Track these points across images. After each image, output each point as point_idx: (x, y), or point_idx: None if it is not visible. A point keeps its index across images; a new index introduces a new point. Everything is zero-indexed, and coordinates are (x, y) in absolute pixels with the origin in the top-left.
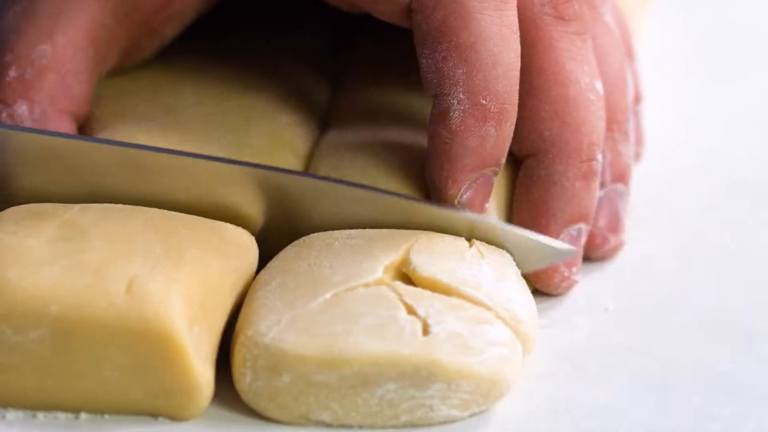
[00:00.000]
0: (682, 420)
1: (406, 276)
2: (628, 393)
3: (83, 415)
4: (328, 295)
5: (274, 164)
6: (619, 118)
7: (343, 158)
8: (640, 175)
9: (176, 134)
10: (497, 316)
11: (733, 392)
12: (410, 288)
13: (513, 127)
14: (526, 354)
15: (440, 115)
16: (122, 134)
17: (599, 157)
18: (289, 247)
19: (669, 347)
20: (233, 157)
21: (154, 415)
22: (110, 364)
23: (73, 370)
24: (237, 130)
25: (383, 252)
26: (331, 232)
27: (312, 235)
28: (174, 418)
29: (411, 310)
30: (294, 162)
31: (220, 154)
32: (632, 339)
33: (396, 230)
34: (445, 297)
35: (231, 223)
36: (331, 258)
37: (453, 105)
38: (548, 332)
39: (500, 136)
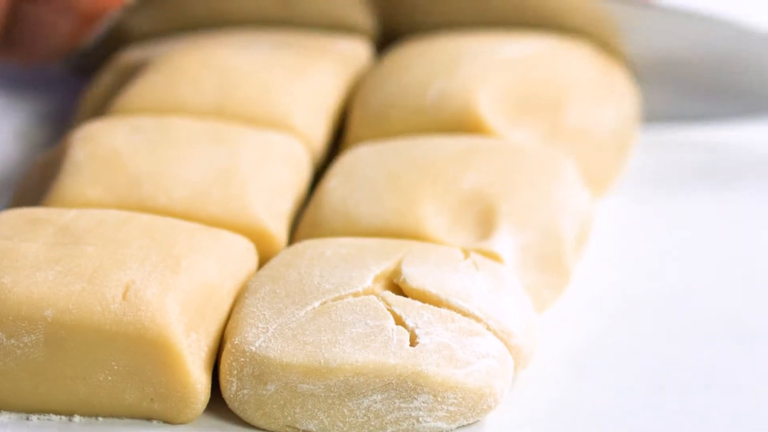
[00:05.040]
0: (684, 421)
1: (397, 286)
2: (630, 394)
3: (77, 418)
4: (316, 304)
5: (266, 181)
6: None
7: (357, 171)
8: (640, 173)
9: (166, 148)
10: (488, 328)
11: (734, 393)
12: (400, 298)
13: None
14: (520, 367)
15: None
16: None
17: None
18: (280, 254)
19: (670, 348)
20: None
21: (148, 418)
22: (105, 368)
23: (68, 375)
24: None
25: (375, 262)
26: (324, 239)
27: (305, 242)
28: (169, 422)
29: (399, 320)
30: (288, 176)
31: (211, 170)
32: (634, 339)
33: (389, 240)
34: (435, 308)
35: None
36: (321, 266)
37: None
38: (549, 333)
39: None
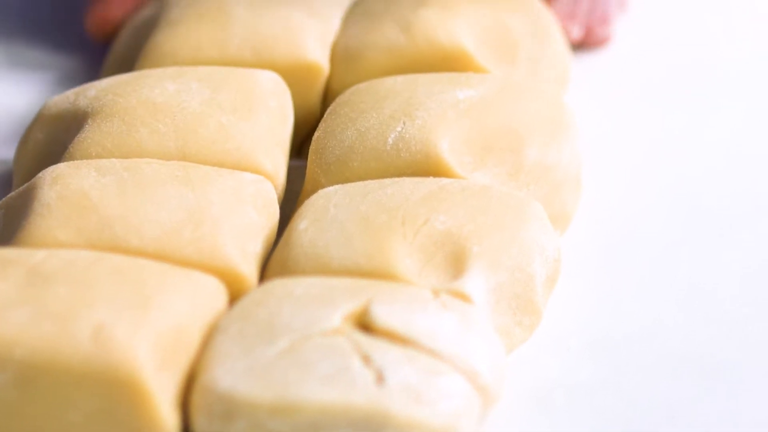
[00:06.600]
0: None
1: (366, 325)
2: (595, 431)
3: None
4: (285, 343)
5: (237, 222)
6: None
7: (327, 212)
8: (602, 209)
9: (136, 190)
10: (454, 368)
11: (698, 429)
12: (367, 337)
13: None
14: (487, 406)
15: None
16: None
17: None
18: (251, 292)
19: (633, 384)
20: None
21: None
22: (76, 408)
23: (38, 414)
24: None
25: (344, 301)
26: (294, 278)
27: (275, 281)
28: None
29: (366, 360)
30: (258, 217)
31: (181, 211)
32: (596, 376)
33: (360, 280)
34: (402, 347)
35: None
36: (291, 305)
37: None
38: (512, 370)
39: None
